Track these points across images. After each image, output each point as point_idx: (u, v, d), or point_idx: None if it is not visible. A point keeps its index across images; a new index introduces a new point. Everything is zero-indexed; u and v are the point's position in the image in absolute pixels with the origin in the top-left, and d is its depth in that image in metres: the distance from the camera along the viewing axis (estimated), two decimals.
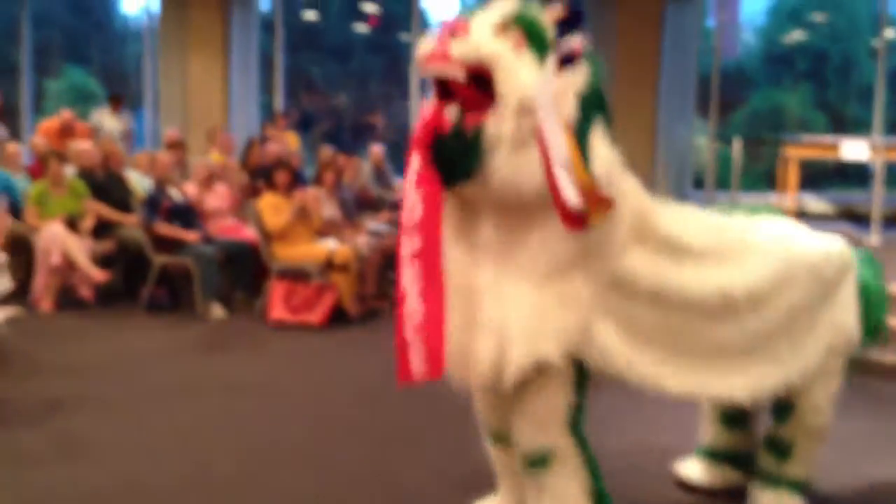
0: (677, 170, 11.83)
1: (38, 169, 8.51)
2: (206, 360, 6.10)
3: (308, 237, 7.46)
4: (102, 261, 7.64)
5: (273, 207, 7.37)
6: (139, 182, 8.59)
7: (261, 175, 8.72)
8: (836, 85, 19.71)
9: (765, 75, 20.53)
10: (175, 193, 7.71)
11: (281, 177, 7.57)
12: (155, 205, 7.50)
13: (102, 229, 7.79)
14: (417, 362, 2.74)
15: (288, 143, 10.70)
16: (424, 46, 2.72)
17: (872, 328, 3.46)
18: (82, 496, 3.73)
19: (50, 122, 10.43)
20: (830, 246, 3.30)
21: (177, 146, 9.64)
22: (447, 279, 2.77)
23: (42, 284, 7.40)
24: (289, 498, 3.75)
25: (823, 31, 19.58)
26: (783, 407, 3.37)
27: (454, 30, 2.69)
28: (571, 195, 2.56)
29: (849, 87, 19.69)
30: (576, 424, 2.93)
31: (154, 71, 13.16)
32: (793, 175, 10.53)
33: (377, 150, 10.76)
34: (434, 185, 2.76)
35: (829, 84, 19.72)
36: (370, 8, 19.33)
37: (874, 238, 9.99)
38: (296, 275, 7.25)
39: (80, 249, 7.39)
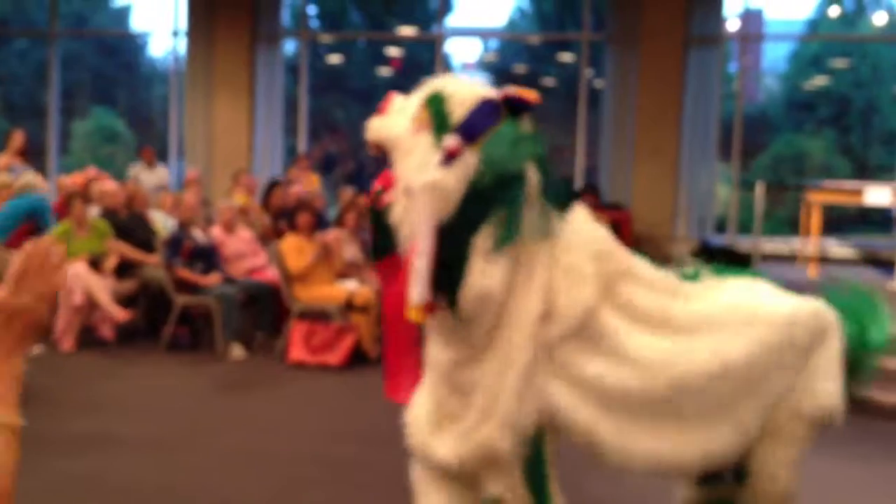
0: (699, 214, 11.82)
1: (62, 209, 8.58)
2: (225, 400, 6.10)
3: (329, 278, 7.48)
4: (124, 300, 7.68)
5: (295, 249, 7.40)
6: (163, 222, 8.65)
7: (283, 216, 8.76)
8: (859, 130, 19.67)
9: (787, 121, 20.53)
10: (199, 234, 7.76)
11: (303, 219, 7.60)
12: (176, 245, 7.54)
13: (125, 269, 7.84)
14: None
15: (311, 183, 10.73)
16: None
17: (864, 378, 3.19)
18: None
19: (73, 178, 10.20)
20: (800, 309, 2.99)
21: (194, 184, 9.69)
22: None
23: (64, 323, 7.44)
24: None
25: (846, 78, 19.59)
26: (740, 471, 3.12)
27: (380, 107, 2.73)
28: (416, 292, 2.57)
29: (871, 132, 19.65)
30: (534, 477, 2.83)
31: (180, 113, 13.31)
32: (816, 220, 10.47)
33: None
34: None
35: (851, 130, 19.69)
36: (394, 52, 19.56)
37: None
38: (316, 316, 7.25)
39: (102, 289, 7.43)
